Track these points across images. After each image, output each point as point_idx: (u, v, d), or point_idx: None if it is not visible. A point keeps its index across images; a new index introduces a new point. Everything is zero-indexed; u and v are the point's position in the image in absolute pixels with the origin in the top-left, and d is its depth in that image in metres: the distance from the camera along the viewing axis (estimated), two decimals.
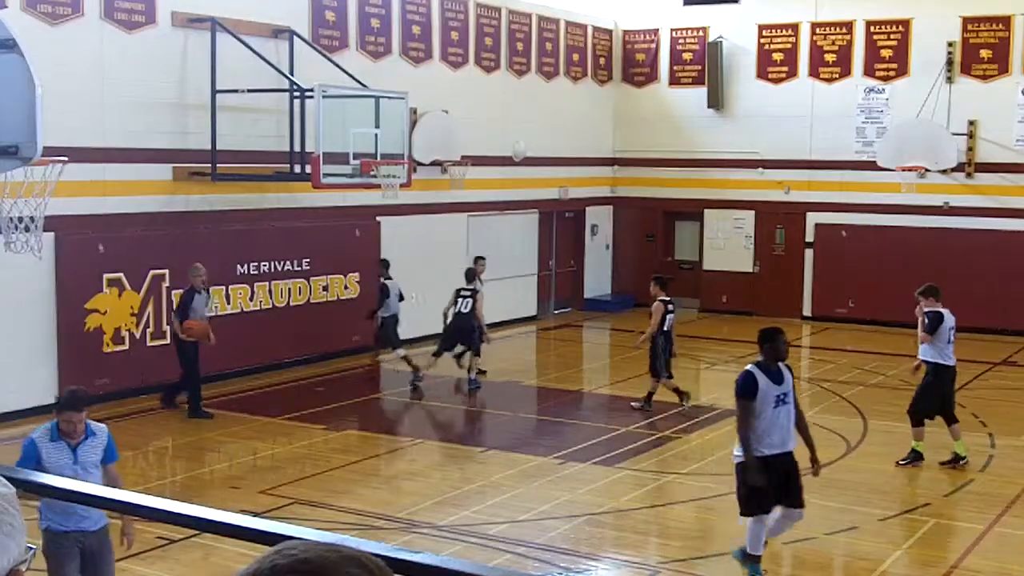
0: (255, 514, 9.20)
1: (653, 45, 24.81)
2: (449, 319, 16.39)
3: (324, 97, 15.05)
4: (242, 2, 16.21)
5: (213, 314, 15.31)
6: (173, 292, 15.06)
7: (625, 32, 25.15)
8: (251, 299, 16.71)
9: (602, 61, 24.83)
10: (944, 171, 21.36)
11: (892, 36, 22.45)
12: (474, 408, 15.91)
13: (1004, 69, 21.49)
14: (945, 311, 12.14)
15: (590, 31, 24.37)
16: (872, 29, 22.60)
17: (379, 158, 15.74)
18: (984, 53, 21.64)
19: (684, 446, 13.34)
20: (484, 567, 3.96)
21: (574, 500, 11.04)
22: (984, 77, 21.66)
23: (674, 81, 24.62)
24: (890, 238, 22.45)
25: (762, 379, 8.61)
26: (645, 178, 24.96)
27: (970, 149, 21.67)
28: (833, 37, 22.95)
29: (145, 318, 15.16)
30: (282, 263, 17.13)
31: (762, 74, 23.60)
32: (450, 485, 11.56)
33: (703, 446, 13.27)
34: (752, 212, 23.91)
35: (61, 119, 12.12)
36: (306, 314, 17.51)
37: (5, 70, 7.33)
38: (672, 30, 24.54)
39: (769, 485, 8.57)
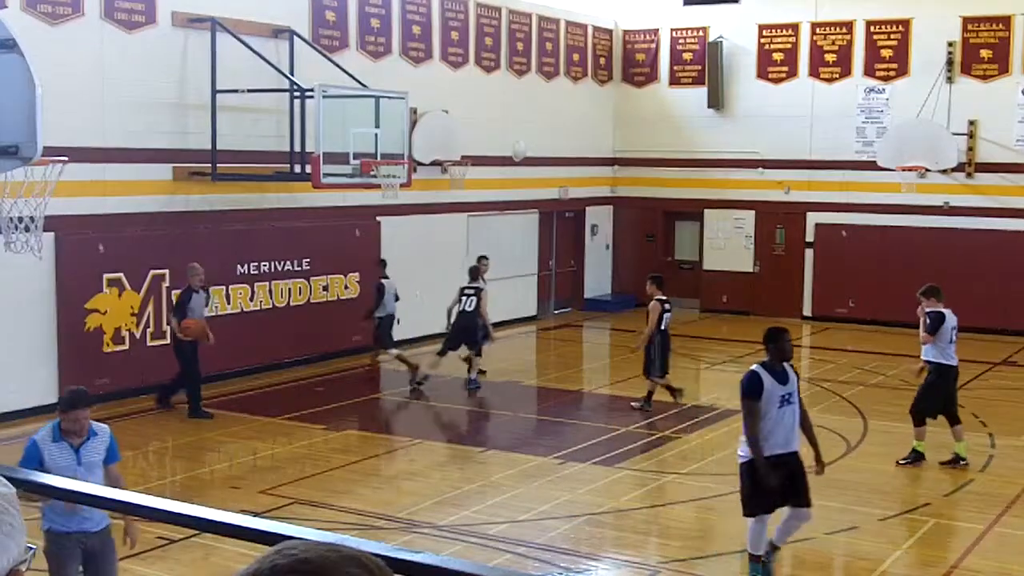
0: (255, 514, 9.20)
1: (653, 45, 24.81)
2: (453, 317, 16.42)
3: (324, 97, 15.06)
4: (242, 2, 16.21)
5: (213, 314, 15.31)
6: (173, 292, 15.05)
7: (625, 32, 25.15)
8: (251, 299, 16.71)
9: (602, 61, 24.83)
10: (944, 171, 21.36)
11: (892, 36, 22.45)
12: (474, 408, 15.91)
13: (1004, 69, 21.49)
14: (947, 311, 12.14)
15: (590, 31, 24.37)
16: (872, 29, 22.60)
17: (379, 158, 15.74)
18: (984, 53, 21.64)
19: (684, 446, 13.34)
20: (484, 567, 3.96)
21: (574, 500, 11.04)
22: (984, 77, 21.67)
23: (674, 81, 24.62)
24: (890, 238, 22.45)
25: (767, 379, 8.60)
26: (645, 178, 24.96)
27: (970, 149, 21.68)
28: (833, 37, 22.95)
29: (145, 318, 15.16)
30: (282, 263, 17.13)
31: (762, 74, 23.60)
32: (450, 485, 11.56)
33: (703, 446, 13.27)
34: (752, 212, 23.91)
35: (61, 119, 12.11)
36: (306, 314, 17.51)
37: (5, 70, 7.33)
38: (672, 30, 24.55)
39: (772, 485, 8.56)
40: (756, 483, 8.60)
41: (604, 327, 23.01)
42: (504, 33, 21.80)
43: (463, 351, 16.51)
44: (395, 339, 16.98)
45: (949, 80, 21.79)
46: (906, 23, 22.30)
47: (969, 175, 21.80)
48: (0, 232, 10.66)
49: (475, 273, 16.62)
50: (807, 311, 23.44)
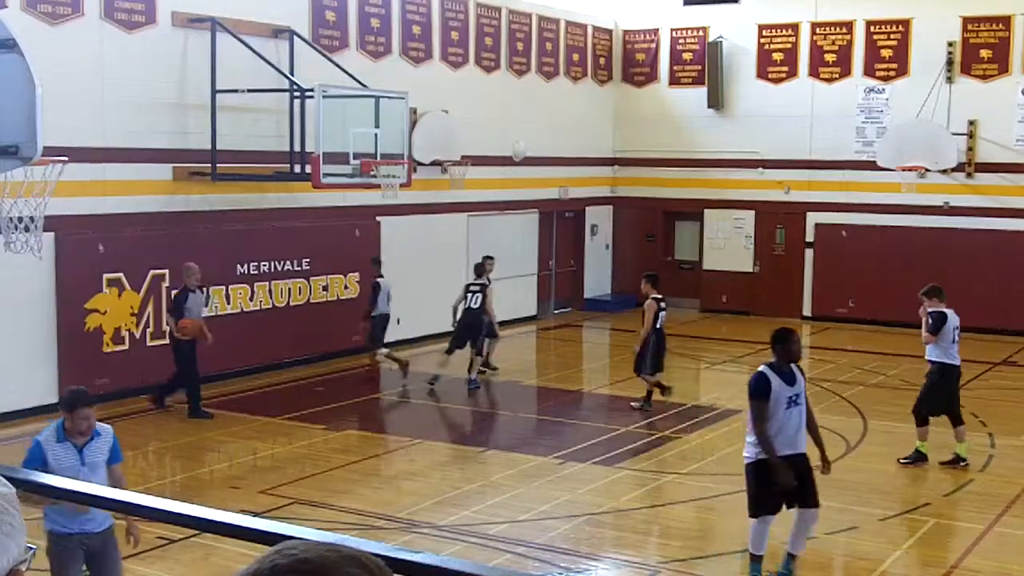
0: (255, 514, 9.20)
1: (653, 45, 24.81)
2: (458, 315, 16.42)
3: (324, 97, 15.05)
4: (242, 2, 16.21)
5: (213, 314, 15.31)
6: (173, 292, 15.05)
7: (625, 32, 25.15)
8: (251, 299, 16.71)
9: (602, 61, 24.83)
10: (944, 171, 21.36)
11: (892, 36, 22.45)
12: (474, 408, 15.91)
13: (1004, 69, 21.49)
14: (949, 311, 12.16)
15: (590, 31, 24.37)
16: (872, 29, 22.60)
17: (379, 158, 15.74)
18: (984, 53, 21.64)
19: (684, 446, 13.34)
20: (484, 567, 3.96)
21: (574, 500, 11.04)
22: (984, 77, 21.67)
23: (674, 81, 24.62)
24: (890, 238, 22.45)
25: (775, 380, 8.59)
26: (645, 178, 24.96)
27: (970, 149, 21.67)
28: (833, 37, 22.95)
29: (145, 318, 15.16)
30: (282, 263, 17.13)
31: (762, 74, 23.60)
32: (450, 485, 11.56)
33: (703, 446, 13.27)
34: (752, 212, 23.91)
35: (61, 119, 12.11)
36: (306, 314, 17.51)
37: (5, 70, 7.32)
38: (672, 30, 24.55)
39: (778, 486, 8.55)
40: (763, 484, 8.60)
41: (604, 327, 23.01)
42: (504, 33, 21.80)
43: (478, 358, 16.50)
44: (385, 340, 16.90)
45: (949, 80, 21.79)
46: (906, 23, 22.30)
47: (969, 175, 21.80)
48: (0, 232, 10.65)
49: (480, 270, 16.61)
50: (807, 311, 23.44)
